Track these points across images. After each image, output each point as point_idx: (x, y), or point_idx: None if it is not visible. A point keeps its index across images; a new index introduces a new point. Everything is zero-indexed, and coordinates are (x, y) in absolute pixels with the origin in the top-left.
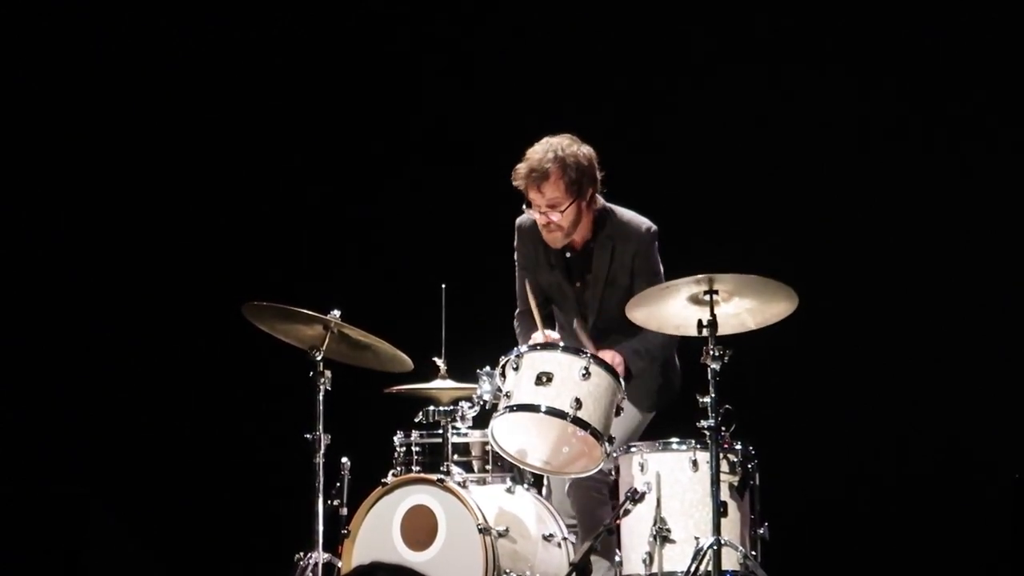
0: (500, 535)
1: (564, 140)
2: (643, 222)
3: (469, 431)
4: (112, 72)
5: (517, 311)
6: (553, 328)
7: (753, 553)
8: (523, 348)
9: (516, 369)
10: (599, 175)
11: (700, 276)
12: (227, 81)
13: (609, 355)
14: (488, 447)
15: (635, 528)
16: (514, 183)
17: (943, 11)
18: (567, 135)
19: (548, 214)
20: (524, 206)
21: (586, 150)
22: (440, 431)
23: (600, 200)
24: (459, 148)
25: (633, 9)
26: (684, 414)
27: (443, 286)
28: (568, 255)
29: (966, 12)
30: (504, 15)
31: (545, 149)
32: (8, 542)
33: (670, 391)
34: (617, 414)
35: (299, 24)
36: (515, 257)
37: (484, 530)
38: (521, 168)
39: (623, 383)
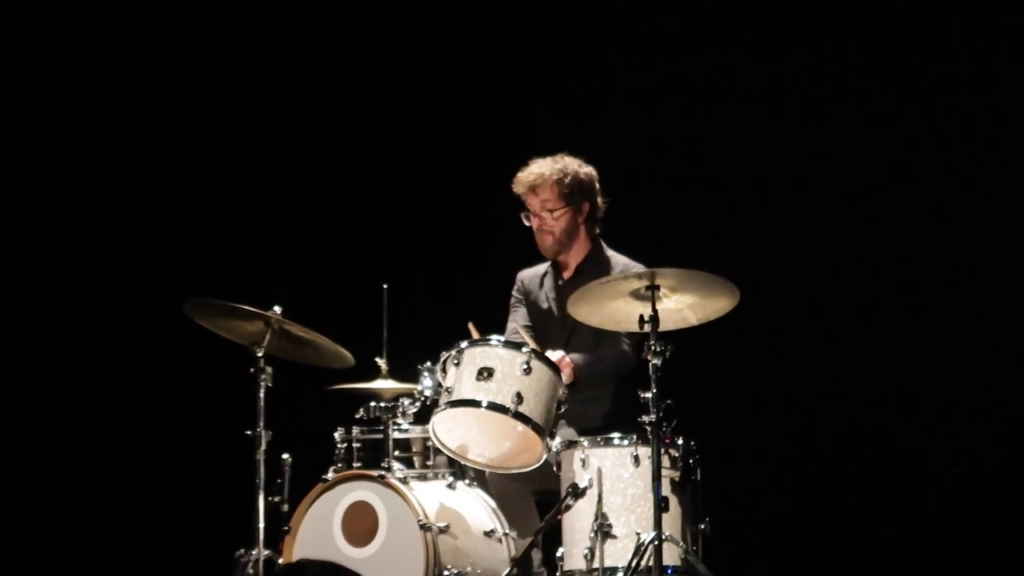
0: (441, 531)
1: (567, 157)
2: (635, 265)
3: (410, 427)
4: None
5: None
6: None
7: (694, 548)
8: (464, 344)
9: (457, 364)
10: (600, 199)
11: (642, 271)
12: (173, 75)
13: (556, 355)
14: (429, 443)
15: (576, 524)
16: (514, 190)
17: None
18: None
19: (541, 216)
20: (522, 216)
21: (588, 169)
22: (381, 427)
23: (598, 235)
24: (405, 145)
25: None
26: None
27: (384, 286)
28: (560, 283)
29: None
30: None
31: (547, 160)
32: None
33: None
34: (559, 410)
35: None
36: (511, 303)
37: (425, 526)
38: (521, 173)
39: (566, 385)
